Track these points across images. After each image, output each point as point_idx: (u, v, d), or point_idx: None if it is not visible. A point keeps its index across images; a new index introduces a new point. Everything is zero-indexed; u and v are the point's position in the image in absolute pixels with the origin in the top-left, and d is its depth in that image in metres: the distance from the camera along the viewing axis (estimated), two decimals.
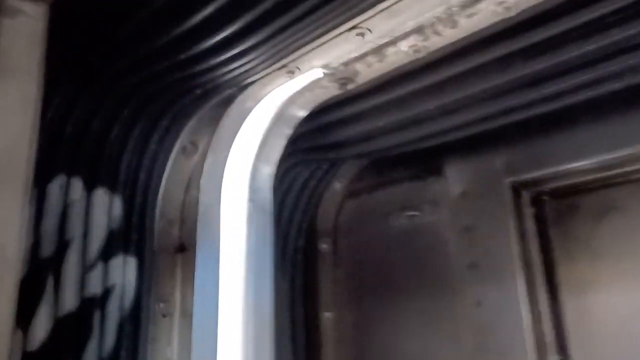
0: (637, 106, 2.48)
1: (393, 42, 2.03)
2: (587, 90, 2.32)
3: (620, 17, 1.93)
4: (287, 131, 2.42)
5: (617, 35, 1.99)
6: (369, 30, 1.92)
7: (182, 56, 2.05)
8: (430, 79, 2.30)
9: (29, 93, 1.30)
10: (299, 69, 2.12)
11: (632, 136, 2.49)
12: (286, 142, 2.42)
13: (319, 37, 1.95)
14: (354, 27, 1.92)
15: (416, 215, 3.07)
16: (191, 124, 2.35)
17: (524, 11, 1.86)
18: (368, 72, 2.21)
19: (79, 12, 1.92)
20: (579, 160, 2.63)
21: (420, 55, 2.07)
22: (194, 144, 2.39)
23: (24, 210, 1.24)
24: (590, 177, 2.73)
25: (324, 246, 3.25)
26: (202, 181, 2.32)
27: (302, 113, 2.42)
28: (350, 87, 2.26)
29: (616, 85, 2.28)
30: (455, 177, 2.95)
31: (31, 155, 1.27)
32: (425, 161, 3.08)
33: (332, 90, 2.30)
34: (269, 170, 2.42)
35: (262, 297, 2.22)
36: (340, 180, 3.27)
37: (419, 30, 1.96)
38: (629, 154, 2.53)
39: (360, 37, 1.94)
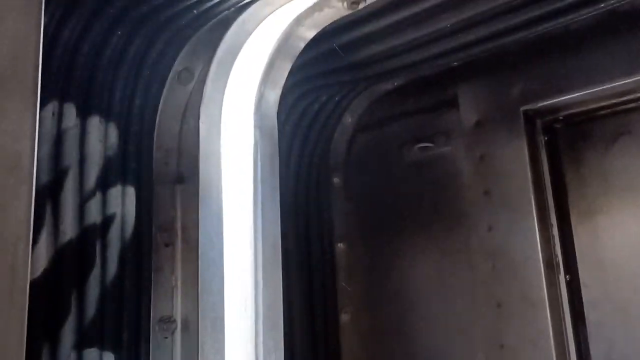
0: None
1: None
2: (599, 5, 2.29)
3: None
4: (294, 53, 2.31)
5: None
6: None
7: None
8: None
9: None
10: None
11: None
12: (292, 64, 2.32)
13: None
14: None
15: (429, 146, 3.07)
16: (187, 49, 2.24)
17: None
18: None
19: None
20: (592, 87, 2.65)
21: None
22: (190, 70, 2.29)
23: (36, 117, 1.16)
24: (603, 103, 2.77)
25: (336, 180, 3.25)
26: (202, 109, 2.23)
27: (310, 34, 2.30)
28: (361, 6, 2.16)
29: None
30: (469, 107, 2.95)
31: (37, 60, 1.18)
32: (438, 92, 3.06)
33: (341, 10, 2.19)
34: (275, 96, 2.33)
35: (270, 224, 2.20)
36: (351, 113, 3.23)
37: None
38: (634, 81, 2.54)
39: None
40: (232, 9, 2.16)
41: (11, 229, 1.05)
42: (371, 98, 3.19)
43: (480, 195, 2.86)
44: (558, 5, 2.35)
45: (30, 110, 1.19)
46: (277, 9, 2.16)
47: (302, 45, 2.33)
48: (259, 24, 2.21)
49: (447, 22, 2.43)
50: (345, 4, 2.14)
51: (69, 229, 2.00)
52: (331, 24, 2.28)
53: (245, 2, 2.14)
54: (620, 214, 2.77)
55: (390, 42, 2.59)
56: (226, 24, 2.21)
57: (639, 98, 2.71)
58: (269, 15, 2.18)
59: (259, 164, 2.23)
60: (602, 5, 2.34)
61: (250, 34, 2.23)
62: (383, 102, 3.21)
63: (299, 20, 2.22)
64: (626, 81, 2.57)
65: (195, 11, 2.13)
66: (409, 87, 3.08)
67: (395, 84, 3.07)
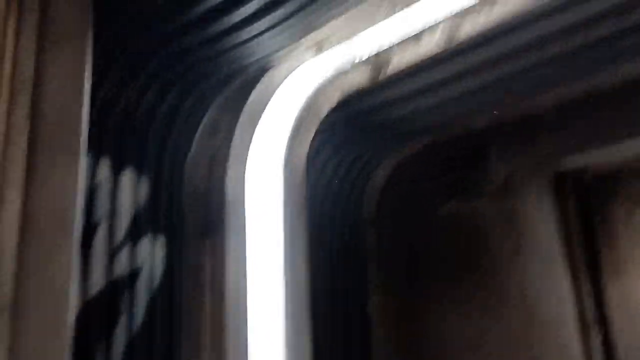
0: None
1: (429, 28, 2.05)
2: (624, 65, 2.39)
3: None
4: (321, 114, 2.44)
5: None
6: None
7: (210, 32, 2.05)
8: (471, 59, 2.35)
9: (81, 58, 1.28)
10: (327, 44, 2.11)
11: None
12: (321, 124, 2.44)
13: (348, 9, 1.95)
14: None
15: (460, 203, 3.14)
16: (215, 104, 2.34)
17: None
18: (403, 57, 2.24)
19: None
20: (619, 146, 2.73)
21: (455, 41, 2.10)
22: (218, 125, 2.38)
23: (82, 174, 1.23)
24: (631, 162, 2.85)
25: (368, 234, 3.31)
26: (229, 163, 2.31)
27: (336, 97, 2.43)
28: (384, 73, 2.29)
29: None
30: (499, 164, 3.04)
31: (85, 119, 1.26)
32: (467, 149, 3.15)
33: (367, 76, 2.32)
34: (303, 154, 2.44)
35: (297, 280, 2.26)
36: (382, 170, 3.31)
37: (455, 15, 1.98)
38: None
39: (390, 6, 1.93)
40: (261, 65, 2.26)
41: (57, 282, 1.09)
42: (401, 155, 3.27)
43: (511, 252, 2.91)
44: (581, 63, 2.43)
45: (75, 169, 1.25)
46: (301, 64, 2.26)
47: (328, 107, 2.45)
48: (283, 82, 2.31)
49: (473, 82, 2.53)
50: (370, 69, 2.24)
51: (98, 281, 2.03)
52: (357, 87, 2.39)
53: (273, 59, 2.24)
54: None
55: (418, 103, 2.70)
56: (253, 82, 2.31)
57: None
58: (292, 73, 2.28)
59: (288, 221, 2.31)
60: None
61: (275, 91, 2.33)
62: (413, 158, 3.29)
63: (325, 84, 2.33)
64: None
65: (225, 69, 2.23)
66: (438, 144, 3.18)
67: (425, 141, 3.16)
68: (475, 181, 3.12)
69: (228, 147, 2.30)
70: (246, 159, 2.36)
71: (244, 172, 2.35)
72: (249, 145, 2.36)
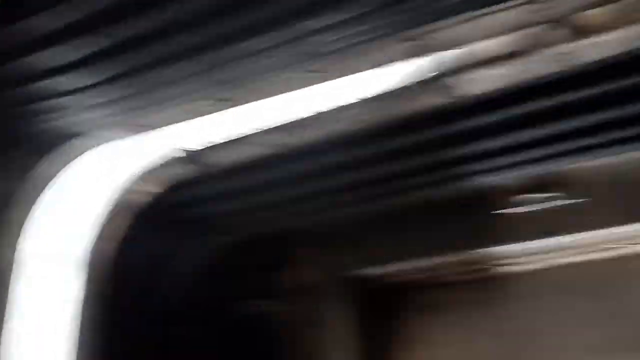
0: (452, 216, 2.90)
1: (256, 132, 2.10)
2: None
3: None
4: (135, 207, 2.31)
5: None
6: (231, 99, 1.91)
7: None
8: (290, 169, 2.46)
9: None
10: (148, 129, 1.97)
11: (448, 243, 2.93)
12: (133, 219, 2.32)
13: (175, 97, 1.85)
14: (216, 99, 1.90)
15: (260, 303, 3.15)
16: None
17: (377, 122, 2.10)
18: (227, 156, 2.24)
19: None
20: (406, 261, 3.03)
21: (279, 149, 2.18)
22: None
23: None
24: (417, 276, 3.18)
25: (173, 328, 2.99)
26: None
27: (154, 189, 2.33)
28: (207, 168, 2.26)
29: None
30: (303, 268, 3.16)
31: None
32: (273, 251, 3.21)
33: (187, 170, 2.26)
34: (111, 249, 2.28)
35: None
36: (193, 264, 3.13)
37: (282, 127, 2.07)
38: (444, 260, 3.03)
39: (218, 103, 1.90)
40: (57, 137, 1.98)
41: None
42: (208, 250, 3.17)
43: (311, 351, 2.99)
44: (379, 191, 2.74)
45: None
46: (105, 142, 2.06)
47: (143, 199, 2.33)
48: (79, 156, 2.07)
49: (287, 190, 2.66)
50: (192, 165, 2.21)
51: None
52: (176, 181, 2.33)
53: (71, 132, 1.98)
54: None
55: (232, 202, 2.74)
56: (46, 151, 2.00)
57: (443, 275, 3.18)
58: (93, 148, 2.06)
59: (85, 313, 2.16)
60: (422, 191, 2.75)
61: (69, 165, 2.07)
62: (220, 255, 3.20)
63: (145, 173, 2.23)
64: (434, 261, 3.01)
65: (13, 134, 1.89)
66: (245, 244, 3.18)
67: (234, 239, 3.14)
68: (280, 282, 3.20)
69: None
70: (18, 238, 2.00)
71: (14, 253, 1.98)
72: (27, 223, 2.02)
